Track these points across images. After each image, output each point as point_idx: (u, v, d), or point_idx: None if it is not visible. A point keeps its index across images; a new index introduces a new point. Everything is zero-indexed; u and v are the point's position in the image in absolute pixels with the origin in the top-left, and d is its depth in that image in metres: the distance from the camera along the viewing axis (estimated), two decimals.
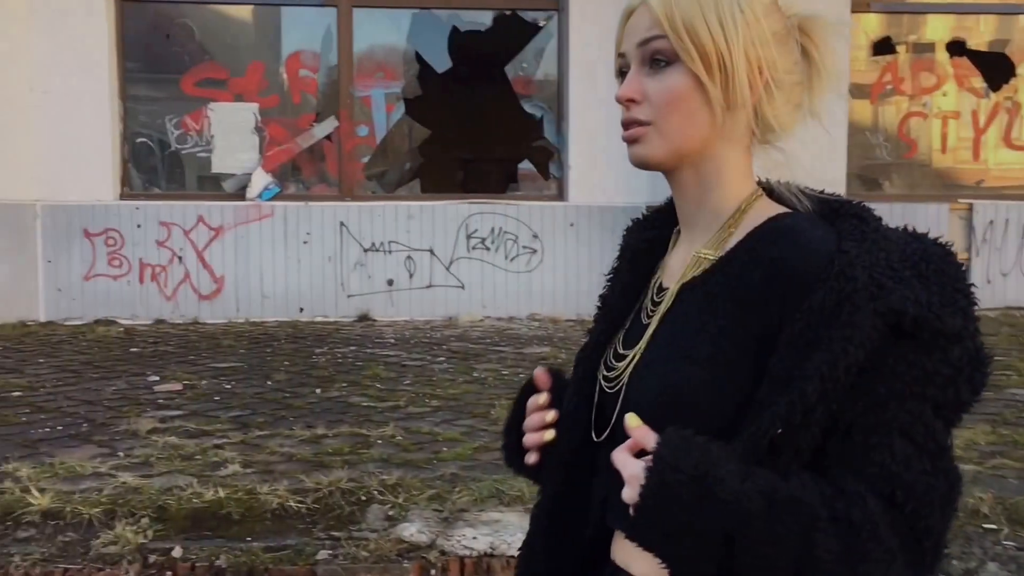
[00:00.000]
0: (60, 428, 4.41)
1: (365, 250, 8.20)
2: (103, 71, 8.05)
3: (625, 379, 1.02)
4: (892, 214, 7.08)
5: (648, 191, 7.22)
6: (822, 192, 1.03)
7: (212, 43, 8.67)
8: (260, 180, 8.27)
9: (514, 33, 8.67)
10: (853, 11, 8.01)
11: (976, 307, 0.90)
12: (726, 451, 0.87)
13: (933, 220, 7.91)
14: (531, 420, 1.13)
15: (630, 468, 0.89)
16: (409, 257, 8.23)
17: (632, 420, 0.93)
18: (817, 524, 0.83)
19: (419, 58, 8.78)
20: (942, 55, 8.80)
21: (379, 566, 3.15)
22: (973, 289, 0.90)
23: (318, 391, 5.27)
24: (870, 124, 8.82)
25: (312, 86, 8.63)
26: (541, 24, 8.68)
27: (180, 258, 8.13)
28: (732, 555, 0.84)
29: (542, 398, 1.13)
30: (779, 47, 0.98)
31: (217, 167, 8.42)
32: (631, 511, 0.87)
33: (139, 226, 8.09)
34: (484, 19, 8.75)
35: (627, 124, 1.00)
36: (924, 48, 8.89)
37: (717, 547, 0.84)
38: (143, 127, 8.48)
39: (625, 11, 1.02)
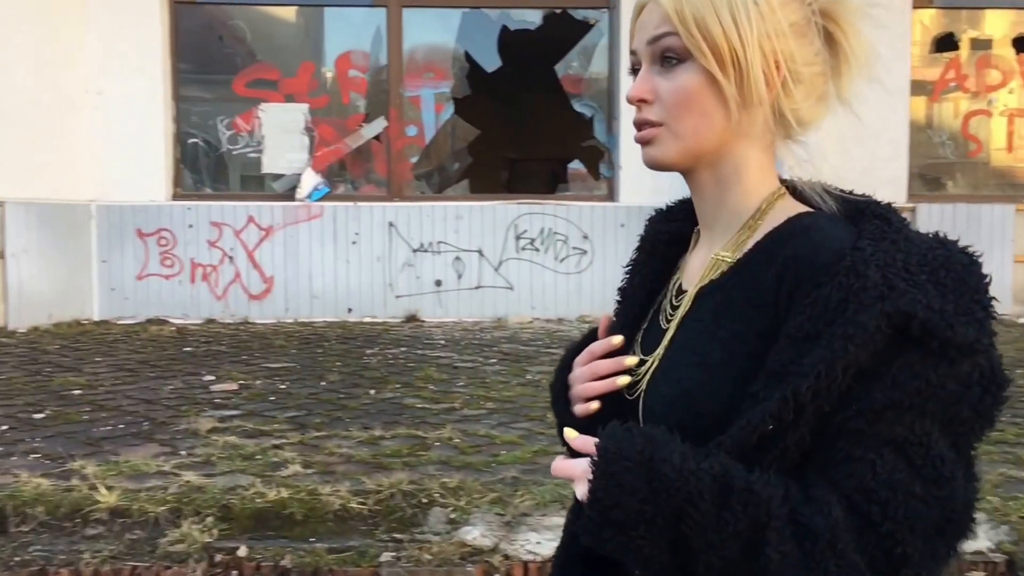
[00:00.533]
0: (121, 426, 4.44)
1: (414, 250, 8.19)
2: (157, 73, 8.14)
3: (644, 386, 0.99)
4: (956, 215, 6.91)
5: None
6: (850, 192, 0.98)
7: (263, 44, 8.74)
8: (310, 180, 8.30)
9: (564, 31, 8.61)
10: (915, 6, 7.84)
11: (995, 322, 0.83)
12: (672, 436, 0.86)
13: (998, 221, 7.69)
14: (600, 365, 1.04)
15: (579, 467, 0.87)
16: (458, 258, 8.20)
17: (570, 433, 0.93)
18: (771, 522, 0.79)
19: (468, 57, 8.77)
20: (1007, 51, 8.56)
21: (443, 569, 3.12)
22: (995, 303, 0.84)
23: (372, 392, 5.26)
24: (932, 122, 8.62)
25: (362, 86, 8.64)
26: (592, 22, 8.61)
27: (231, 258, 8.19)
28: (687, 544, 0.81)
29: (617, 339, 1.04)
30: (797, 39, 0.93)
31: (267, 167, 8.48)
32: (585, 509, 0.85)
33: (191, 226, 8.16)
34: (534, 18, 8.72)
35: (639, 125, 0.97)
36: (984, 44, 8.66)
37: (671, 534, 0.82)
38: (195, 128, 8.56)
39: (636, 7, 0.98)
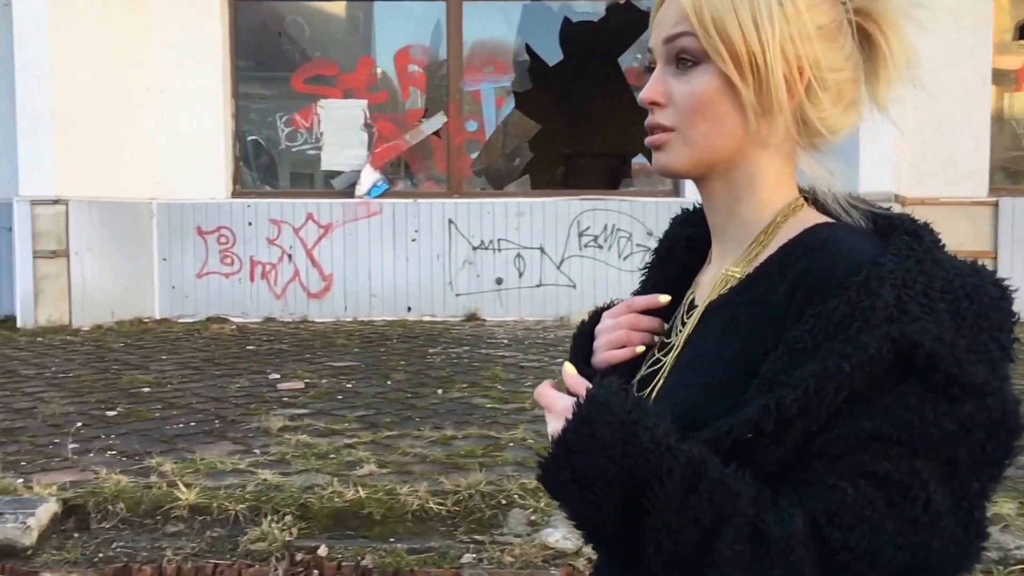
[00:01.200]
0: (193, 424, 4.41)
1: (474, 248, 8.09)
2: (217, 70, 8.16)
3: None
4: None
5: None
6: (888, 208, 0.91)
7: (322, 40, 8.72)
8: (369, 177, 8.25)
9: (628, 23, 8.44)
10: None
11: (1012, 364, 0.77)
12: (666, 414, 0.82)
13: None
14: (639, 320, 1.01)
15: (561, 402, 0.84)
16: (519, 255, 8.09)
17: (569, 368, 0.92)
18: (733, 518, 0.76)
19: (530, 51, 8.66)
20: None
21: (526, 572, 3.07)
22: (1016, 346, 0.77)
23: (439, 392, 5.18)
24: (1015, 113, 8.27)
25: (421, 81, 8.58)
26: None
27: (290, 256, 8.17)
28: (639, 515, 0.78)
29: (664, 298, 1.00)
30: (825, 43, 0.86)
31: (326, 164, 8.46)
32: (551, 445, 0.82)
33: (250, 224, 8.16)
34: (597, 9, 8.58)
35: (651, 128, 0.92)
36: None
37: (627, 506, 0.79)
38: (254, 125, 8.57)
39: (655, 3, 0.92)
